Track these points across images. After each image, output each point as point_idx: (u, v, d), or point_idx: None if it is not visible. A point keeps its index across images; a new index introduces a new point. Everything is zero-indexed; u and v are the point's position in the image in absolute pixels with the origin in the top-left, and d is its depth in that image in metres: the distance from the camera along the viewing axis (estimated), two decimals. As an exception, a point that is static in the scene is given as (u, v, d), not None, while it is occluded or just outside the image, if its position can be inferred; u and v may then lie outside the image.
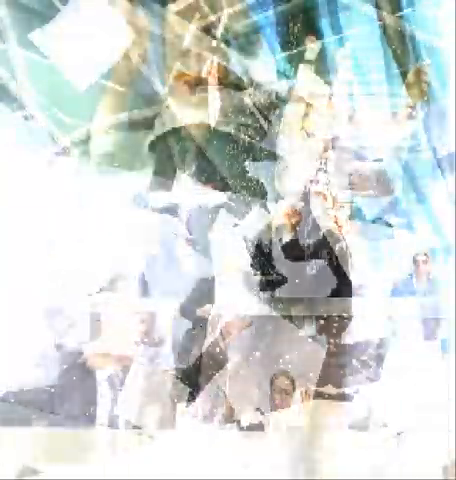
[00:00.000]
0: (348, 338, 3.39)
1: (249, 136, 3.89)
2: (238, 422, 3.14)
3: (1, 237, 3.30)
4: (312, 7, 3.97)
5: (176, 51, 3.92)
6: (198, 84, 3.94)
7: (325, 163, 3.59)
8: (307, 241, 3.51)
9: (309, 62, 3.64)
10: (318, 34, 3.89)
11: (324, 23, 3.97)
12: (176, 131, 3.88)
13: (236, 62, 3.97)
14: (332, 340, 3.34)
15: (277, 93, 3.90)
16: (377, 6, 3.86)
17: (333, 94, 3.65)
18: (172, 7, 3.90)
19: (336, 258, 3.44)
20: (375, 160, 3.69)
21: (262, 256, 3.52)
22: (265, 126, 3.91)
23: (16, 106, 3.64)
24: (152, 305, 3.41)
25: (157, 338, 3.38)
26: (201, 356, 3.29)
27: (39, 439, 2.80)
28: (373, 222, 3.80)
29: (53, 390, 2.88)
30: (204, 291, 3.46)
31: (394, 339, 3.43)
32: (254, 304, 3.41)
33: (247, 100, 3.94)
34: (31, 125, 3.65)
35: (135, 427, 3.07)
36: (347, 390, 3.26)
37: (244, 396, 3.23)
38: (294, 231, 3.53)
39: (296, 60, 3.83)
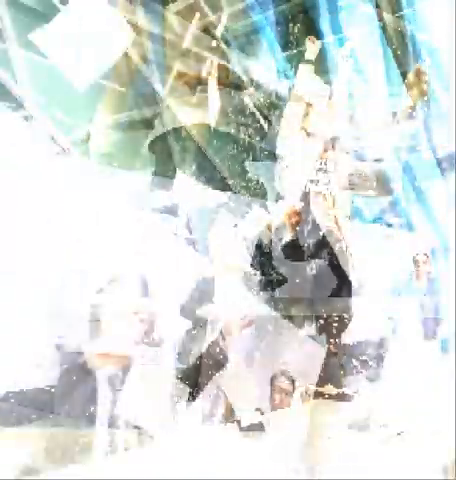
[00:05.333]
0: (348, 338, 3.38)
1: (249, 136, 3.89)
2: (238, 422, 3.14)
3: (1, 237, 3.30)
4: (312, 7, 3.97)
5: (176, 51, 3.92)
6: (198, 84, 3.94)
7: (325, 163, 3.59)
8: (307, 241, 3.50)
9: (309, 62, 3.64)
10: (318, 34, 3.89)
11: (324, 23, 3.97)
12: (176, 131, 3.88)
13: (236, 62, 3.97)
14: (332, 340, 3.34)
15: (277, 93, 3.90)
16: (377, 6, 3.86)
17: (333, 94, 3.64)
18: (172, 7, 3.90)
19: (336, 258, 3.44)
20: (375, 160, 3.69)
21: (262, 256, 3.52)
22: (265, 126, 3.91)
23: (16, 106, 3.64)
24: (152, 305, 3.41)
25: (157, 338, 3.38)
26: (201, 356, 3.29)
27: (39, 439, 2.79)
28: (373, 222, 3.81)
29: (53, 390, 2.88)
30: (204, 291, 3.45)
31: (394, 339, 3.43)
32: (254, 304, 3.41)
33: (247, 100, 3.94)
34: (31, 125, 3.64)
35: (135, 427, 3.07)
36: (347, 390, 3.25)
37: (244, 396, 3.23)
38: (294, 231, 3.53)
39: (296, 60, 3.82)
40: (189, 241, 3.73)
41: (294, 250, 3.50)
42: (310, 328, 3.40)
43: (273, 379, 3.25)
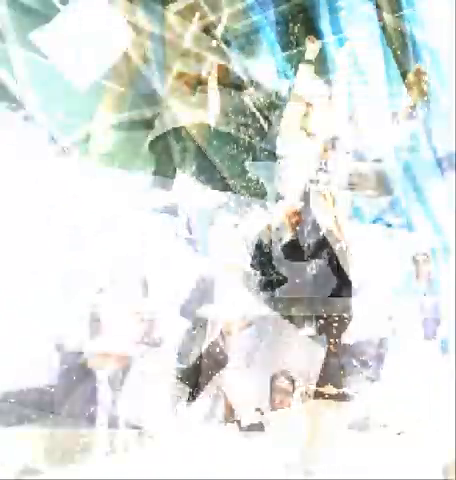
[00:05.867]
0: (348, 338, 3.38)
1: (249, 136, 3.89)
2: (238, 422, 3.14)
3: (1, 237, 3.30)
4: (312, 7, 3.97)
5: (176, 51, 3.92)
6: (198, 84, 3.94)
7: (325, 163, 3.58)
8: (307, 241, 3.50)
9: (309, 62, 3.64)
10: (318, 34, 3.88)
11: (324, 23, 3.96)
12: (176, 131, 3.88)
13: (236, 62, 3.97)
14: (332, 340, 3.34)
15: (277, 93, 3.90)
16: (377, 6, 3.85)
17: (333, 94, 3.64)
18: (172, 7, 3.90)
19: (336, 258, 3.44)
20: (375, 160, 3.69)
21: (262, 256, 3.52)
22: (265, 126, 3.91)
23: (16, 106, 3.63)
24: (152, 305, 3.41)
25: (157, 338, 3.38)
26: (201, 356, 3.29)
27: (39, 439, 2.79)
28: (373, 222, 3.80)
29: (53, 390, 2.88)
30: (204, 291, 3.45)
31: (394, 339, 3.43)
32: (254, 304, 3.41)
33: (247, 100, 3.94)
34: (31, 125, 3.64)
35: (135, 427, 3.07)
36: (347, 390, 3.25)
37: (244, 396, 3.23)
38: (294, 231, 3.53)
39: (296, 60, 3.82)
40: (189, 241, 3.73)
41: (294, 250, 3.50)
42: (310, 328, 3.40)
43: (273, 379, 3.25)
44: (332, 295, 3.37)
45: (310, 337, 3.38)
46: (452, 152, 3.71)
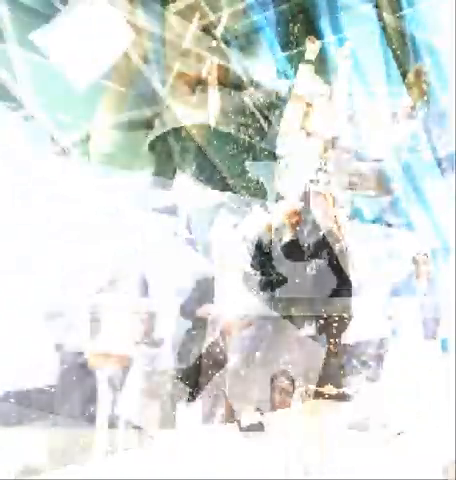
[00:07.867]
0: (348, 338, 3.38)
1: (249, 136, 3.89)
2: (238, 422, 3.14)
3: (1, 237, 3.30)
4: (312, 7, 3.97)
5: (176, 51, 3.92)
6: (198, 84, 3.94)
7: (325, 163, 3.58)
8: (307, 241, 3.50)
9: (309, 62, 3.64)
10: (318, 34, 3.89)
11: (324, 23, 3.97)
12: (176, 131, 3.88)
13: (236, 62, 3.97)
14: (332, 340, 3.34)
15: (277, 93, 3.90)
16: (377, 6, 3.86)
17: (333, 94, 3.64)
18: (172, 7, 3.90)
19: (336, 258, 3.44)
20: (375, 160, 3.69)
21: (262, 256, 3.51)
22: (265, 126, 3.91)
23: (16, 106, 3.63)
24: (152, 305, 3.41)
25: (157, 338, 3.38)
26: (201, 356, 3.29)
27: (39, 439, 2.80)
28: (373, 222, 3.81)
29: (53, 390, 2.88)
30: (204, 291, 3.45)
31: (394, 339, 3.43)
32: (254, 304, 3.41)
33: (247, 100, 3.94)
34: (31, 125, 3.64)
35: (135, 427, 3.07)
36: (347, 390, 3.25)
37: (244, 396, 3.23)
38: (294, 231, 3.53)
39: (296, 60, 3.82)
40: (189, 241, 3.73)
41: (294, 250, 3.49)
42: (310, 328, 3.40)
43: (273, 379, 3.25)
44: (332, 295, 3.37)
45: (310, 337, 3.38)
46: (452, 152, 3.71)
